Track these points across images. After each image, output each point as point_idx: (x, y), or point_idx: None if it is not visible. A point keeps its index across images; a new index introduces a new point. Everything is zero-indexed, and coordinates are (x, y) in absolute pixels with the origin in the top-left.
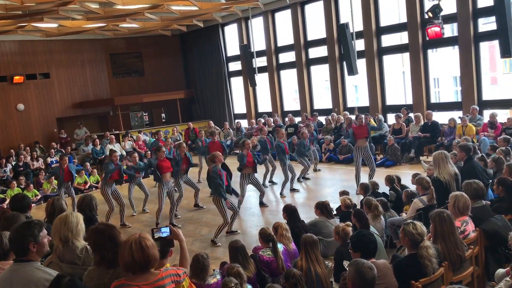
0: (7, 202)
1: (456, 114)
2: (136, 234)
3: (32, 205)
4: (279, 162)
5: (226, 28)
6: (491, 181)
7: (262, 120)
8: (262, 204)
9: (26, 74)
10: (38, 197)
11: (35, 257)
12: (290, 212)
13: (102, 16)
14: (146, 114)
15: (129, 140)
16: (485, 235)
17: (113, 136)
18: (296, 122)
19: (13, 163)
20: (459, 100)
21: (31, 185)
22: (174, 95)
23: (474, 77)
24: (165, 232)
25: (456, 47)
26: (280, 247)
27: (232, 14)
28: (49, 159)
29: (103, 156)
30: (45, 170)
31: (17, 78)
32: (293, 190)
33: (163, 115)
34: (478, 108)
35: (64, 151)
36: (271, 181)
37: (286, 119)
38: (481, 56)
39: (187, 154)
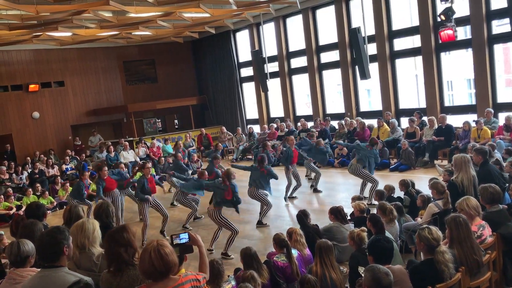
0: (23, 209)
1: (471, 117)
2: (154, 241)
3: (48, 212)
4: (284, 168)
5: (238, 34)
6: (507, 185)
7: (275, 125)
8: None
9: (41, 83)
10: (54, 204)
11: (64, 262)
12: (299, 218)
13: (115, 25)
14: (159, 120)
15: (143, 147)
16: (502, 240)
17: (127, 143)
18: (309, 127)
19: (29, 170)
20: (473, 103)
21: (47, 192)
22: (187, 102)
23: (488, 79)
24: (184, 238)
25: (470, 49)
26: (295, 252)
27: (244, 20)
28: (64, 166)
29: (118, 163)
30: (61, 177)
31: (32, 87)
32: (291, 197)
33: (176, 121)
34: (493, 111)
35: (78, 158)
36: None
37: (299, 124)
38: (496, 58)
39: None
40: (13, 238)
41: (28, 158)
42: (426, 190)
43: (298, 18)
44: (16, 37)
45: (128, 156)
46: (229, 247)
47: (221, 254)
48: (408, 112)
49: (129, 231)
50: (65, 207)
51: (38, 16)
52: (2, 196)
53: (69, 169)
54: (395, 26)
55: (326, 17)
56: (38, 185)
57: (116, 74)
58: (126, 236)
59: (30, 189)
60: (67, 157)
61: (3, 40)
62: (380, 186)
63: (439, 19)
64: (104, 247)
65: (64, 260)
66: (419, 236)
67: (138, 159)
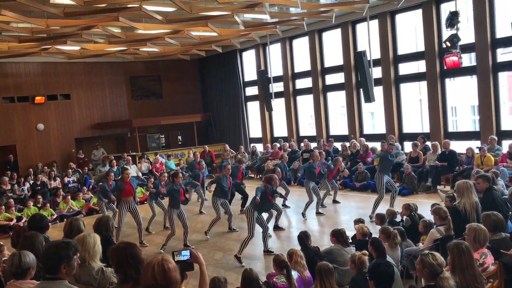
0: (23, 220)
1: (474, 144)
2: (159, 256)
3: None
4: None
5: (244, 54)
6: (510, 213)
7: (278, 145)
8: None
9: (47, 95)
10: (54, 217)
11: (64, 277)
12: (300, 239)
13: (124, 40)
14: (163, 136)
15: (145, 162)
16: (505, 268)
17: (129, 158)
18: (312, 148)
19: (31, 181)
20: (477, 129)
21: (48, 205)
22: (191, 118)
23: (492, 106)
24: (185, 255)
25: (474, 76)
26: (295, 274)
27: (250, 40)
28: (66, 179)
29: (120, 177)
30: (63, 190)
31: (38, 99)
32: (318, 213)
33: (179, 137)
34: (496, 138)
35: (81, 171)
36: (284, 205)
37: (302, 144)
38: (500, 86)
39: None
40: (14, 249)
41: (31, 169)
42: (428, 215)
43: (304, 40)
44: (25, 50)
45: (131, 171)
46: (241, 251)
47: (234, 256)
48: (412, 137)
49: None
50: (65, 220)
51: (48, 29)
52: (3, 207)
53: (71, 181)
54: (401, 51)
55: (332, 40)
56: (39, 196)
57: (122, 89)
58: (138, 251)
59: (30, 202)
60: (70, 170)
61: (13, 52)
62: (382, 210)
63: (444, 46)
64: (117, 261)
65: (63, 275)
66: (423, 262)
67: (140, 174)
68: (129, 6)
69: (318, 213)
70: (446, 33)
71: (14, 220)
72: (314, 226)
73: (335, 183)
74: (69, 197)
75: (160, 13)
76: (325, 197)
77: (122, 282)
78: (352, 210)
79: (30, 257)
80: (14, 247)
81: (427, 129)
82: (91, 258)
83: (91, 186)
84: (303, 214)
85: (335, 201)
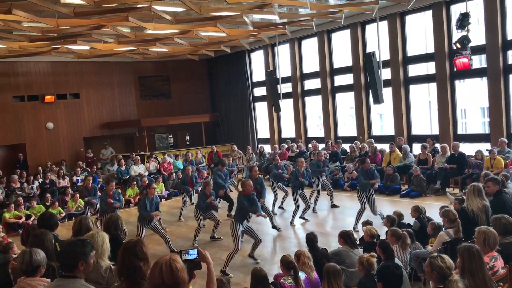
0: (32, 218)
1: (484, 146)
2: (167, 255)
3: None
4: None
5: (253, 54)
6: None
7: (285, 146)
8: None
9: (57, 94)
10: (63, 215)
11: (81, 275)
12: (309, 240)
13: (133, 40)
14: (171, 136)
15: (154, 162)
16: None
17: (138, 157)
18: (320, 149)
19: (40, 180)
20: (487, 132)
21: (56, 203)
22: (199, 118)
23: (503, 109)
24: (193, 254)
25: (484, 78)
26: (302, 275)
27: (259, 40)
28: (75, 178)
29: (128, 177)
30: (71, 188)
31: (48, 98)
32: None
33: (187, 137)
34: (507, 141)
35: (90, 170)
36: (281, 207)
37: (310, 145)
38: (511, 88)
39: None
40: (23, 246)
41: (40, 168)
42: (436, 218)
43: (313, 41)
44: (36, 49)
45: (139, 170)
46: (227, 266)
47: (220, 272)
48: (421, 138)
49: (145, 245)
50: (73, 218)
51: (58, 29)
52: (12, 205)
53: (80, 180)
54: (410, 52)
55: (341, 41)
56: (48, 195)
57: (131, 88)
58: (144, 250)
59: (34, 201)
60: (78, 169)
61: (23, 52)
62: (389, 212)
63: (454, 47)
64: (118, 259)
65: (81, 273)
66: (432, 264)
67: (146, 174)
68: (138, 6)
69: (303, 218)
70: (456, 34)
71: (23, 218)
72: (320, 227)
73: (329, 186)
74: (78, 195)
75: (169, 13)
76: (316, 203)
77: (122, 281)
78: None
79: (41, 255)
80: (24, 244)
81: (436, 131)
82: (99, 256)
83: (99, 185)
84: (291, 223)
85: (333, 206)
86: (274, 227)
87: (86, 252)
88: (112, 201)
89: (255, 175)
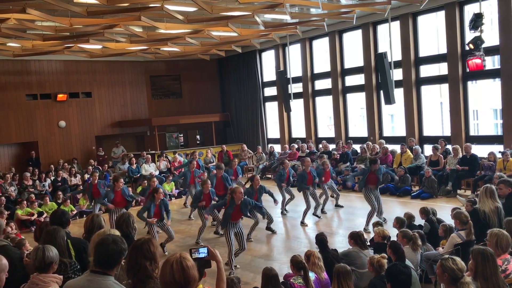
0: (44, 215)
1: (496, 148)
2: (177, 254)
3: None
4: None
5: (264, 54)
6: None
7: (296, 146)
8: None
9: (69, 93)
10: (74, 213)
11: (113, 273)
12: (320, 241)
13: (145, 40)
14: (182, 135)
15: (164, 160)
16: None
17: (149, 156)
18: (330, 149)
19: (52, 178)
20: (500, 133)
21: (68, 201)
22: (210, 118)
23: None
24: (202, 252)
25: (497, 79)
26: (312, 276)
27: (270, 40)
28: (86, 176)
29: (139, 175)
30: (82, 186)
31: (60, 96)
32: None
33: (198, 136)
34: None
35: (101, 169)
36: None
37: (320, 145)
38: None
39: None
40: (36, 243)
41: (52, 166)
42: (448, 220)
43: (325, 41)
44: (49, 48)
45: (150, 169)
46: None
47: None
48: (432, 140)
49: (154, 244)
50: (85, 216)
51: (71, 28)
52: (25, 202)
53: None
54: (422, 53)
55: (353, 41)
56: (60, 193)
57: (142, 87)
58: (152, 249)
59: (47, 198)
60: (90, 167)
61: (36, 50)
62: (400, 214)
63: (467, 48)
64: (127, 257)
65: (115, 270)
66: (443, 266)
67: (157, 173)
68: (151, 5)
69: (315, 215)
70: (470, 35)
71: (35, 215)
72: (331, 228)
73: (334, 187)
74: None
75: (181, 13)
76: (325, 204)
77: (128, 279)
78: None
79: (54, 252)
80: (37, 241)
81: (447, 132)
82: None
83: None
84: (302, 222)
85: (337, 206)
86: (269, 229)
87: (126, 249)
88: (154, 220)
89: (255, 186)
